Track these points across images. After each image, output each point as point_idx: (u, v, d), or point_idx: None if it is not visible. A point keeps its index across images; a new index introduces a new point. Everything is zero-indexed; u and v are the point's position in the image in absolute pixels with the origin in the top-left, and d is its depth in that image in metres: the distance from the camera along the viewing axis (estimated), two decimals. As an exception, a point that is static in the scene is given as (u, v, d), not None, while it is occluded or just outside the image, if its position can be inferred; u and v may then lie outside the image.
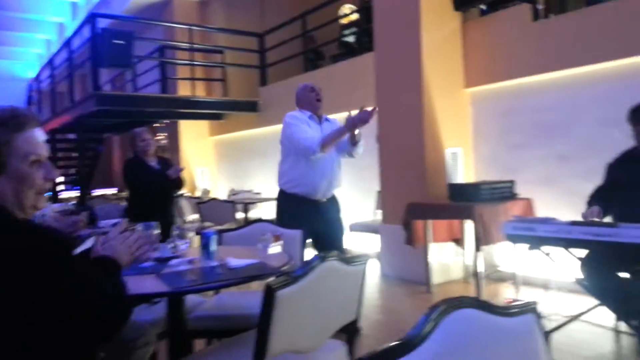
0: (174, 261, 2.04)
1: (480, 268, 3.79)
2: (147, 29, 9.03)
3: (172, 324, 2.03)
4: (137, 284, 1.72)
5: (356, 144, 3.06)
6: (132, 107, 7.38)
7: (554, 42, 3.99)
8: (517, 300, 3.42)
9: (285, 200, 3.24)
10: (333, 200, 3.26)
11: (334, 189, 3.25)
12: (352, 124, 2.89)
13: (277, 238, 2.21)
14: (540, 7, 4.46)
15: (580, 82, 3.90)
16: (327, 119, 3.25)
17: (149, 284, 1.82)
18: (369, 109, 2.85)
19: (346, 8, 7.51)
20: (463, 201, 3.89)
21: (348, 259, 1.83)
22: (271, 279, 1.61)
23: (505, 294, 3.94)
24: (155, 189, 4.04)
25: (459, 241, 4.43)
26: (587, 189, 3.18)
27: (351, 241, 5.36)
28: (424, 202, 4.25)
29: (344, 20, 7.50)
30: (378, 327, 3.45)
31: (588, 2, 5.09)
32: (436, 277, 4.30)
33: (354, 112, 2.91)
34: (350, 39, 7.33)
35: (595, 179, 3.10)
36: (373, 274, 4.90)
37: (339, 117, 3.36)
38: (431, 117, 4.47)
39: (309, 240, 3.25)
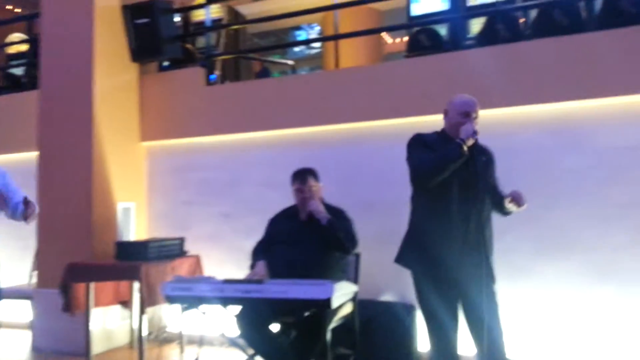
0: None
1: (145, 331, 3.60)
2: None
3: None
4: None
5: None
6: None
7: (225, 107, 4.28)
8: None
9: None
10: None
11: None
12: None
13: None
14: (217, 73, 4.78)
15: (245, 146, 4.25)
16: None
17: None
18: None
19: (14, 37, 6.57)
20: (130, 260, 3.68)
21: None
22: None
23: (171, 356, 3.83)
24: None
25: (126, 303, 4.14)
26: (247, 245, 3.40)
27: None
28: (87, 262, 3.84)
29: (12, 50, 6.54)
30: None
31: (257, 75, 5.79)
32: (99, 346, 3.89)
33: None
34: (18, 71, 6.41)
35: (254, 236, 3.32)
36: (23, 349, 4.12)
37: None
38: (102, 168, 4.16)
39: None
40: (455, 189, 2.40)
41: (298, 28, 7.00)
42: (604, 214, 3.09)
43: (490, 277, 2.41)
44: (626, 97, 3.14)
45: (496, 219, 2.53)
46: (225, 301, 2.79)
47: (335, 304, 2.57)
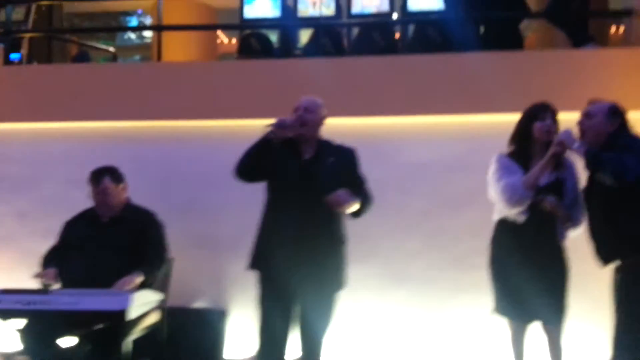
0: None
1: None
2: None
3: None
4: None
5: None
6: None
7: (28, 91, 3.76)
8: None
9: None
10: None
11: None
12: None
13: None
14: (22, 52, 4.22)
15: (49, 137, 3.79)
16: None
17: None
18: None
19: None
20: None
21: None
22: None
23: None
24: None
25: None
26: (45, 248, 3.06)
27: None
28: None
29: None
30: None
31: (74, 60, 5.24)
32: None
33: None
34: None
35: (53, 238, 3.02)
36: None
37: None
38: None
39: None
40: (288, 189, 2.43)
41: (128, 14, 6.53)
42: (401, 223, 3.39)
43: (330, 282, 2.45)
44: (426, 117, 3.49)
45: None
46: (4, 314, 2.50)
47: (132, 315, 2.41)
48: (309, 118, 2.48)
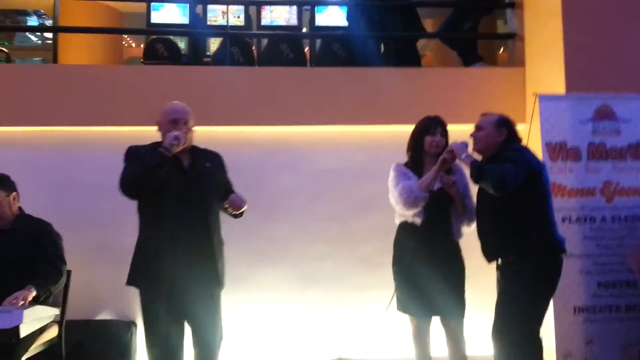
0: None
1: None
2: None
3: None
4: None
5: None
6: None
7: None
8: None
9: None
10: None
11: None
12: None
13: None
14: None
15: None
16: None
17: None
18: None
19: None
20: None
21: None
22: None
23: None
24: None
25: None
26: None
27: None
28: None
29: None
30: None
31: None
32: None
33: None
34: None
35: None
36: None
37: None
38: None
39: None
40: (173, 200, 2.33)
41: (26, 13, 6.12)
42: (309, 228, 3.51)
43: (216, 284, 2.42)
44: (333, 127, 3.65)
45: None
46: None
47: (24, 332, 2.27)
48: (190, 128, 2.45)
